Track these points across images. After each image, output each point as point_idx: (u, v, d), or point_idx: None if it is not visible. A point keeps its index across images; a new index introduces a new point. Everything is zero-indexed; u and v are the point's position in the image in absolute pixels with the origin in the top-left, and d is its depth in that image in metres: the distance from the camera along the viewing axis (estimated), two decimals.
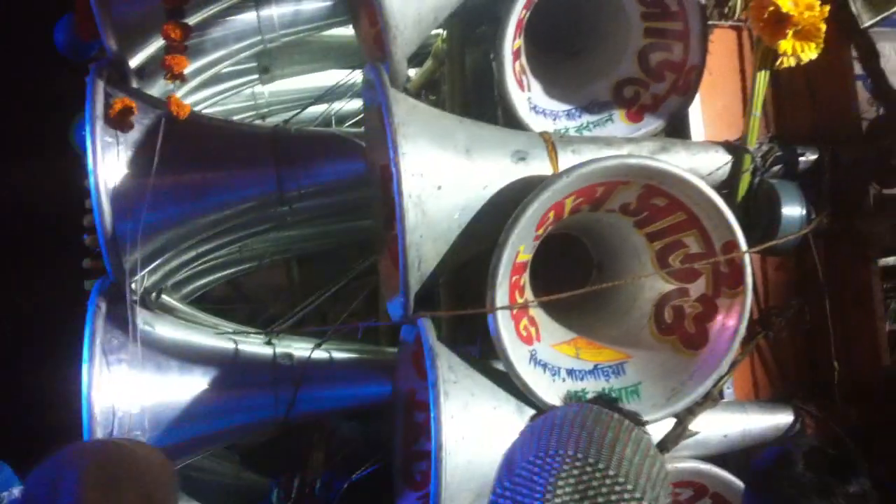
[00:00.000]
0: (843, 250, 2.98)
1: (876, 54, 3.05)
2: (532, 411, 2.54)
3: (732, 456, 2.88)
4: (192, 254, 3.57)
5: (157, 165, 2.69)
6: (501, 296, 2.47)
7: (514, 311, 2.57)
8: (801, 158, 2.85)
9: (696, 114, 2.97)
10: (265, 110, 4.55)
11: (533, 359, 2.61)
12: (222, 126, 3.03)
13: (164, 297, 4.02)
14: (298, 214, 3.73)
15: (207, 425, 2.75)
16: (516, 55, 2.82)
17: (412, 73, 4.88)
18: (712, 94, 2.97)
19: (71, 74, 2.97)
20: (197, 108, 4.13)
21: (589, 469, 1.39)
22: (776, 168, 2.83)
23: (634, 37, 2.98)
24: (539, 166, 2.62)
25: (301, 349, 3.09)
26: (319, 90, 4.54)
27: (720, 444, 2.75)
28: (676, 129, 2.97)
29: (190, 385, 2.73)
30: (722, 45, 2.97)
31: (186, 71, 3.55)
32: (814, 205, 2.83)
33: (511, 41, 2.73)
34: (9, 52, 4.88)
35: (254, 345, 2.97)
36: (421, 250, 2.44)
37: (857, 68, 3.12)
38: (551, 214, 2.56)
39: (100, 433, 2.52)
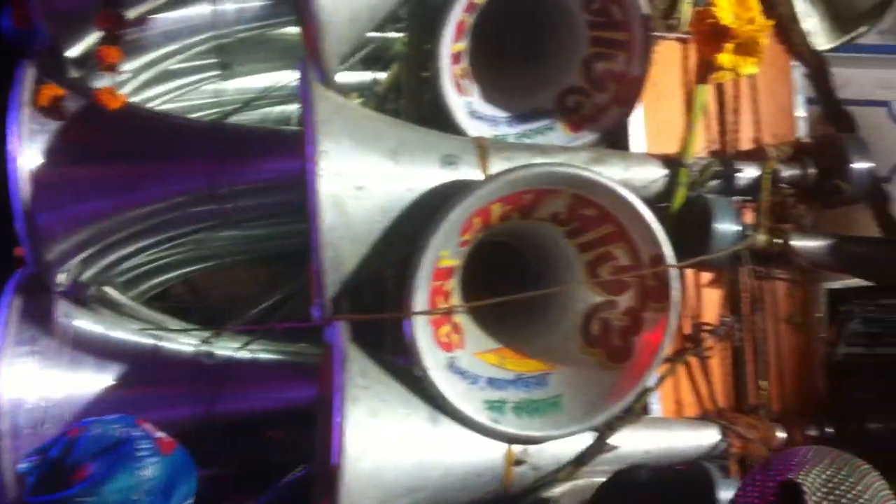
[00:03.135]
0: (780, 269, 2.94)
1: (826, 74, 3.03)
2: (447, 420, 2.50)
3: None
4: (132, 248, 3.53)
5: (85, 156, 2.69)
6: (420, 300, 2.43)
7: (435, 317, 2.53)
8: (740, 175, 2.81)
9: (638, 126, 2.93)
10: (230, 108, 4.52)
11: (451, 366, 2.56)
12: (154, 118, 3.01)
13: (111, 292, 3.99)
14: (242, 213, 3.71)
15: None
16: (456, 58, 2.78)
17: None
18: (655, 106, 2.93)
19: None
20: (154, 104, 4.11)
21: (841, 476, 1.64)
22: (714, 183, 2.79)
23: (581, 45, 2.94)
24: (469, 172, 2.58)
25: (235, 350, 3.05)
26: (284, 89, 4.52)
27: (641, 460, 2.69)
28: (618, 142, 2.92)
29: (104, 380, 2.71)
30: (667, 58, 2.92)
31: (137, 64, 3.52)
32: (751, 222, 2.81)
33: (449, 44, 2.70)
34: None
35: (176, 342, 2.93)
36: (339, 251, 2.40)
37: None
38: (478, 220, 2.52)
39: (6, 424, 2.48)
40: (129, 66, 3.46)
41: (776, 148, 2.86)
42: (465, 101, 2.83)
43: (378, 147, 2.48)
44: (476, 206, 2.44)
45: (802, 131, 3.04)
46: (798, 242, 2.86)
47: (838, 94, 3.02)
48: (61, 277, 2.94)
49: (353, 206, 2.40)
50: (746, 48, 2.53)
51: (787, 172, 2.84)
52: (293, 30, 4.05)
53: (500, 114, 2.93)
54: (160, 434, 2.07)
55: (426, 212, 2.45)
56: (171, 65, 3.72)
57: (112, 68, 2.74)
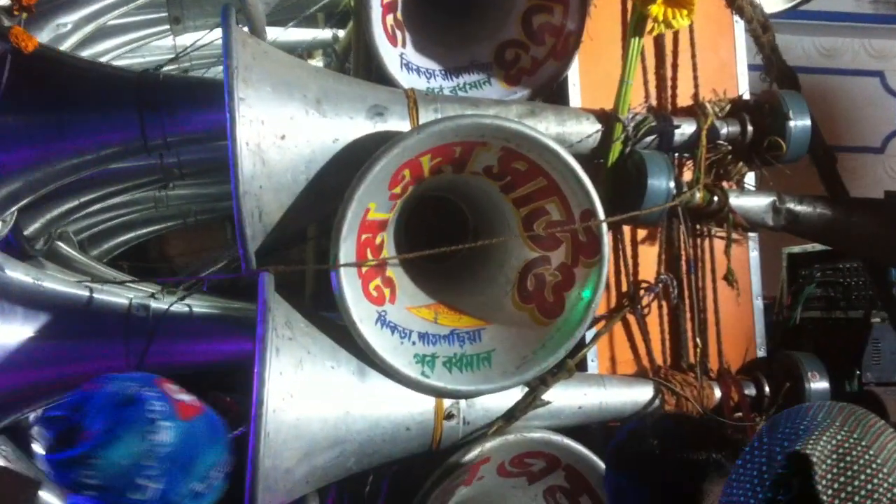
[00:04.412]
0: (718, 227, 2.92)
1: (768, 29, 2.99)
2: (375, 374, 2.49)
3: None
4: (74, 202, 3.50)
5: (7, 104, 2.61)
6: (346, 252, 2.41)
7: (364, 271, 2.51)
8: (677, 130, 2.78)
9: (575, 80, 2.90)
10: (187, 64, 4.47)
11: (381, 320, 2.54)
12: (82, 66, 2.92)
13: (63, 247, 3.95)
14: (188, 167, 3.67)
15: (51, 372, 2.67)
16: (389, 8, 2.74)
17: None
18: (593, 60, 2.90)
19: None
20: (105, 59, 4.05)
21: (853, 440, 1.50)
22: (650, 139, 2.76)
23: None
24: (398, 123, 2.55)
25: (170, 304, 3.02)
26: None
27: (574, 415, 2.69)
28: (556, 95, 2.89)
29: (34, 330, 2.65)
30: (606, 12, 2.89)
31: (77, 16, 3.45)
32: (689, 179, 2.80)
33: None
34: None
35: (111, 295, 2.89)
36: (261, 201, 2.37)
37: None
38: (407, 173, 2.49)
39: None
40: (68, 18, 3.42)
41: (715, 104, 2.83)
42: (398, 53, 2.79)
43: (301, 96, 2.43)
44: (403, 158, 2.41)
45: (745, 87, 3.01)
46: (736, 200, 2.84)
47: (781, 52, 2.97)
48: None
49: (274, 155, 2.36)
50: (679, 0, 2.50)
51: (725, 129, 2.81)
52: None
53: (435, 66, 2.89)
54: (183, 396, 1.89)
55: (353, 163, 2.41)
56: (115, 18, 3.67)
57: (27, 9, 2.66)
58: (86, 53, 3.94)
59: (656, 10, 2.51)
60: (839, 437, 1.52)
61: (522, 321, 2.66)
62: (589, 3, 2.76)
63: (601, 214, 2.50)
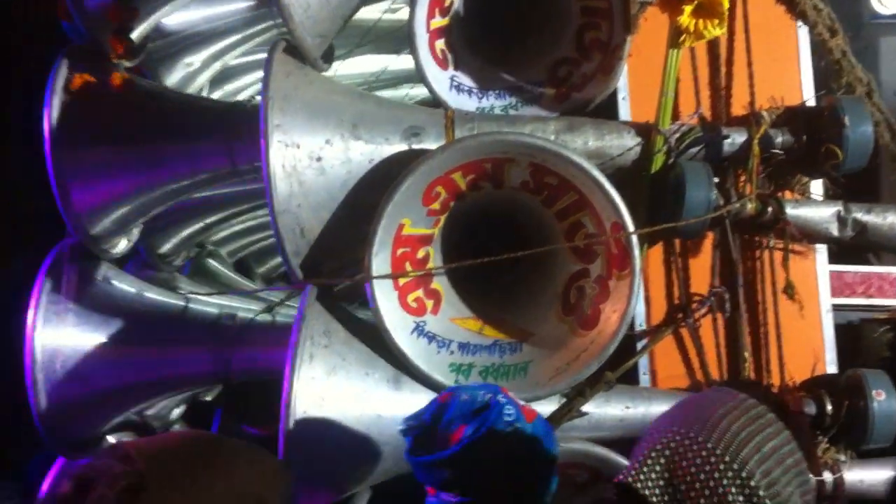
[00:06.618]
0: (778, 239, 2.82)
1: (837, 32, 2.86)
2: (409, 381, 2.62)
3: None
4: (198, 224, 3.88)
5: (112, 136, 2.99)
6: (379, 265, 2.57)
7: (402, 283, 2.66)
8: (727, 140, 2.72)
9: (625, 93, 2.91)
10: None
11: (418, 329, 2.68)
12: (179, 100, 3.25)
13: (212, 263, 4.37)
14: None
15: (144, 375, 3.01)
16: (438, 34, 2.87)
17: None
18: (643, 73, 2.88)
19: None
20: (242, 95, 4.43)
21: (687, 442, 1.51)
22: (696, 150, 2.72)
23: (574, 16, 2.95)
24: (434, 143, 2.67)
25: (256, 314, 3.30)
26: (366, 76, 4.71)
27: (615, 427, 2.69)
28: (606, 108, 2.91)
29: (131, 336, 3.00)
30: (655, 24, 2.85)
31: (203, 56, 3.82)
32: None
33: (425, 21, 2.79)
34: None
35: (203, 304, 3.21)
36: (300, 219, 2.59)
37: None
38: (440, 189, 2.62)
39: (40, 375, 2.85)
40: (195, 57, 3.80)
41: (770, 112, 2.74)
42: (448, 76, 2.92)
43: (338, 120, 2.62)
44: (431, 176, 2.54)
45: (809, 94, 2.88)
46: (795, 210, 2.74)
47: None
48: (121, 245, 3.27)
49: (311, 176, 2.57)
50: (709, 10, 2.47)
51: (780, 138, 2.72)
52: (364, 16, 4.19)
53: (487, 86, 2.98)
54: (523, 402, 2.06)
55: (387, 182, 2.57)
56: (237, 56, 4.03)
57: (121, 58, 3.00)
58: (229, 88, 4.35)
59: (685, 20, 2.49)
60: (672, 445, 1.53)
61: (562, 333, 2.71)
62: (633, 18, 2.77)
63: (630, 226, 2.51)
